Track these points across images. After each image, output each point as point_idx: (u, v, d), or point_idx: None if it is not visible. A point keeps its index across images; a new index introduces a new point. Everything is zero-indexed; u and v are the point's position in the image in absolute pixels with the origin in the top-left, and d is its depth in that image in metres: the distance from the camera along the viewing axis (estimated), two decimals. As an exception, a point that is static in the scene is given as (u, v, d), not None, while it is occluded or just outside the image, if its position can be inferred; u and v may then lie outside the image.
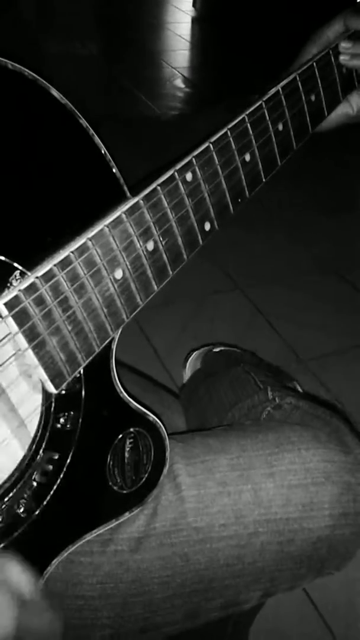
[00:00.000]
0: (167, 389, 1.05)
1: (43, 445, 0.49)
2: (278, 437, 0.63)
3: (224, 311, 1.65)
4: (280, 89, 0.64)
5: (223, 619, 0.80)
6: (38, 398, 0.49)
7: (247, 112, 0.60)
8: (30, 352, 0.45)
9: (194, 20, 3.95)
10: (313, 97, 0.69)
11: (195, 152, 0.55)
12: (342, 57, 0.70)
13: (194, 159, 0.55)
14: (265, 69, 0.92)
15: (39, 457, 0.49)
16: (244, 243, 1.86)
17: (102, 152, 0.48)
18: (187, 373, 1.31)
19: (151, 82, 3.13)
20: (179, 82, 3.10)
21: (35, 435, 0.49)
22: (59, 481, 0.50)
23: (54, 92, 0.44)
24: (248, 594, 0.61)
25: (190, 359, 1.35)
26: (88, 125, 0.47)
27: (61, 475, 0.50)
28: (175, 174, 0.53)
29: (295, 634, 1.00)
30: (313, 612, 1.02)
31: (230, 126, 0.58)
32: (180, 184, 0.54)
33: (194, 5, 4.02)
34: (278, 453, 0.61)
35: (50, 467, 0.50)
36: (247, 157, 0.61)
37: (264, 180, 0.65)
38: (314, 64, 0.68)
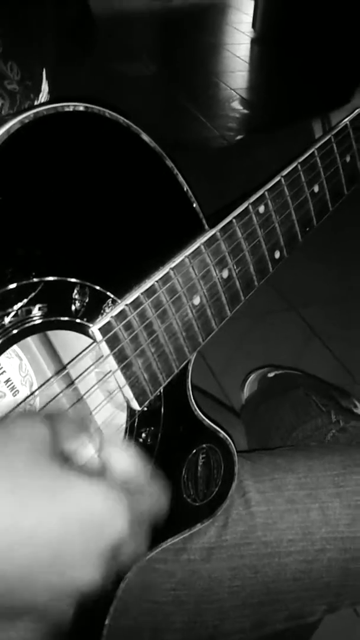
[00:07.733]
0: (229, 409, 1.07)
1: (127, 458, 0.53)
2: (344, 459, 0.65)
3: (278, 331, 1.66)
4: (348, 123, 0.67)
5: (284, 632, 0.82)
6: (122, 417, 0.53)
7: (317, 147, 0.63)
8: (119, 373, 0.49)
9: (253, 42, 3.98)
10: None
11: (268, 186, 0.58)
12: None
13: (266, 192, 0.58)
14: (324, 91, 0.95)
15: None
16: (299, 263, 1.87)
17: (185, 189, 0.53)
18: (245, 394, 1.33)
19: (210, 103, 3.18)
20: (237, 104, 3.15)
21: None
22: (139, 492, 0.54)
23: (145, 137, 0.49)
24: (313, 607, 0.63)
25: (248, 380, 1.37)
26: (173, 166, 0.51)
27: (142, 487, 0.54)
28: (250, 207, 0.57)
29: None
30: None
31: (300, 160, 0.61)
32: (253, 216, 0.57)
33: (253, 26, 4.04)
34: (345, 474, 0.63)
35: (133, 478, 0.54)
36: (316, 189, 0.64)
37: (330, 209, 0.69)
38: None
